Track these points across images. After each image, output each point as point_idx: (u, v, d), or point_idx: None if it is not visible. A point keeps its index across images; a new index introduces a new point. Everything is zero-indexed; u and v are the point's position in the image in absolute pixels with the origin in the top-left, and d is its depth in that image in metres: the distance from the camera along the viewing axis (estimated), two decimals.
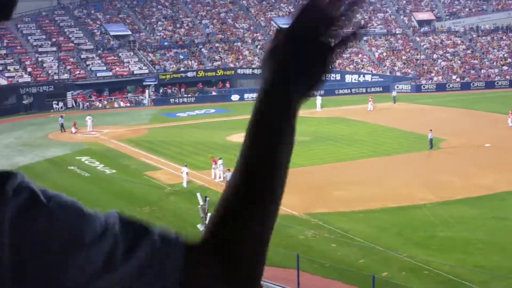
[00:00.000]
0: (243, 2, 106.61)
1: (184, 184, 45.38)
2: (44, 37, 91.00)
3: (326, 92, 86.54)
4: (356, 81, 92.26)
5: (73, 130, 65.62)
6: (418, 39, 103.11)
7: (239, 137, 61.50)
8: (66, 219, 1.58)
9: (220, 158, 47.26)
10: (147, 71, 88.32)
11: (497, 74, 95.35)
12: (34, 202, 1.58)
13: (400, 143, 57.88)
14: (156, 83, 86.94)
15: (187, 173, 45.74)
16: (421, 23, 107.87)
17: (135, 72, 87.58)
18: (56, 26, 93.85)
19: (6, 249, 1.51)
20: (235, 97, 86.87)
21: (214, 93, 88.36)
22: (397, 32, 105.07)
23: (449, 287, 27.96)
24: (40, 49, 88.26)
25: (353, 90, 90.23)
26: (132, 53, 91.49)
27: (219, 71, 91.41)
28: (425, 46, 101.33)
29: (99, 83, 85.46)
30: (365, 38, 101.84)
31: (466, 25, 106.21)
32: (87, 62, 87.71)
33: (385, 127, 65.53)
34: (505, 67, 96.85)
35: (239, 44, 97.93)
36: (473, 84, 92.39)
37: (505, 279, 29.29)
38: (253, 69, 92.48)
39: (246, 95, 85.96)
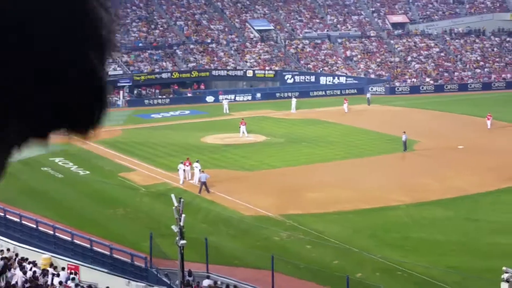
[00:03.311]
0: (218, 3, 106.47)
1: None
2: None
3: (301, 94, 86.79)
4: (331, 83, 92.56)
5: None
6: (392, 41, 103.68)
7: (213, 139, 61.42)
8: None
9: (198, 161, 46.79)
10: (121, 72, 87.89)
11: (470, 77, 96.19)
12: None
13: (374, 145, 58.12)
14: (130, 84, 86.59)
15: (184, 170, 45.43)
16: (395, 25, 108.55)
17: (109, 73, 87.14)
18: None
19: None
20: (210, 98, 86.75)
21: (189, 95, 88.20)
22: (372, 34, 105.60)
23: None
24: None
25: (327, 92, 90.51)
26: None
27: (194, 72, 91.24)
28: (399, 48, 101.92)
29: None
30: (339, 40, 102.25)
31: (440, 28, 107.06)
32: None
33: (359, 128, 65.76)
34: (478, 70, 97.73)
35: (214, 45, 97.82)
36: (447, 86, 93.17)
37: (478, 280, 29.53)
38: (228, 70, 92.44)
39: (220, 97, 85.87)
